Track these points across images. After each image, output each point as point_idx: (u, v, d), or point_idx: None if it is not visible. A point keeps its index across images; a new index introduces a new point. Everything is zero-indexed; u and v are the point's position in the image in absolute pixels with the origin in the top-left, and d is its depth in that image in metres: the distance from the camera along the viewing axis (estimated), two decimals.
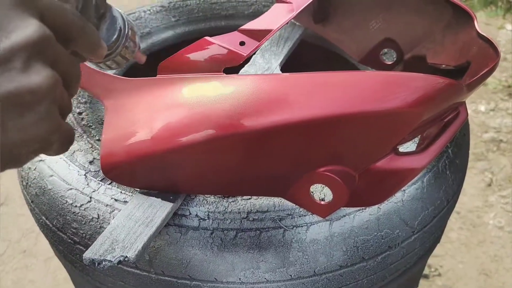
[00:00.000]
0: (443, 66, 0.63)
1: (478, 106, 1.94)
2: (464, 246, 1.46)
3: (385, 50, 0.74)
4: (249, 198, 0.54)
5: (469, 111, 2.08)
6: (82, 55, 0.37)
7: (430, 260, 1.42)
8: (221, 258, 0.52)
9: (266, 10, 0.57)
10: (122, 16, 0.47)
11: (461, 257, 1.43)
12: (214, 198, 0.54)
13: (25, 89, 0.28)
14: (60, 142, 0.32)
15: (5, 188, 1.62)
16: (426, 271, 1.40)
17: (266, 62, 0.72)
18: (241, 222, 0.52)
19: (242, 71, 0.70)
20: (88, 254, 0.45)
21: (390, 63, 0.73)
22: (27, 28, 0.29)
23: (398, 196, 0.56)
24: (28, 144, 0.30)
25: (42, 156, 0.60)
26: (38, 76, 0.29)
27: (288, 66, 0.76)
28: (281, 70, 0.73)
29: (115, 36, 0.46)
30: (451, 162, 0.62)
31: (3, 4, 0.29)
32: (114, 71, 0.75)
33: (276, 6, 0.52)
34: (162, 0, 0.93)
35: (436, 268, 1.41)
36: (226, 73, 0.50)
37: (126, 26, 0.47)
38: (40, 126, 0.30)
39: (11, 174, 1.63)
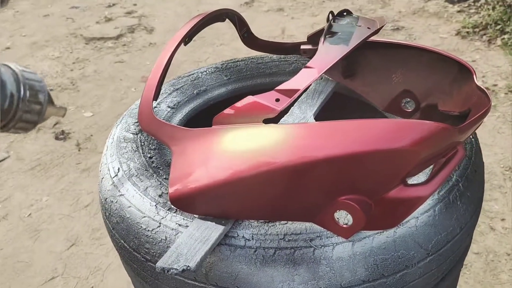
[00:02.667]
0: (451, 113, 0.74)
1: None
2: None
3: (407, 99, 0.85)
4: (286, 223, 0.66)
5: None
6: None
7: None
8: (262, 271, 0.64)
9: None
10: (15, 78, 0.39)
11: None
12: (257, 223, 0.67)
13: None
14: None
15: (76, 231, 1.80)
16: None
17: (302, 112, 0.85)
18: (279, 242, 0.64)
19: (281, 120, 0.84)
20: (159, 264, 0.59)
21: (410, 110, 0.84)
22: None
23: (411, 222, 0.66)
24: None
25: (122, 191, 0.75)
26: None
27: (325, 115, 0.88)
28: (315, 119, 0.86)
29: (6, 104, 0.39)
30: (462, 194, 0.71)
31: None
32: (177, 121, 0.91)
33: (304, 71, 0.65)
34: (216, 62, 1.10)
35: None
36: (267, 123, 0.63)
37: (22, 89, 0.40)
38: None
39: (81, 218, 1.82)
